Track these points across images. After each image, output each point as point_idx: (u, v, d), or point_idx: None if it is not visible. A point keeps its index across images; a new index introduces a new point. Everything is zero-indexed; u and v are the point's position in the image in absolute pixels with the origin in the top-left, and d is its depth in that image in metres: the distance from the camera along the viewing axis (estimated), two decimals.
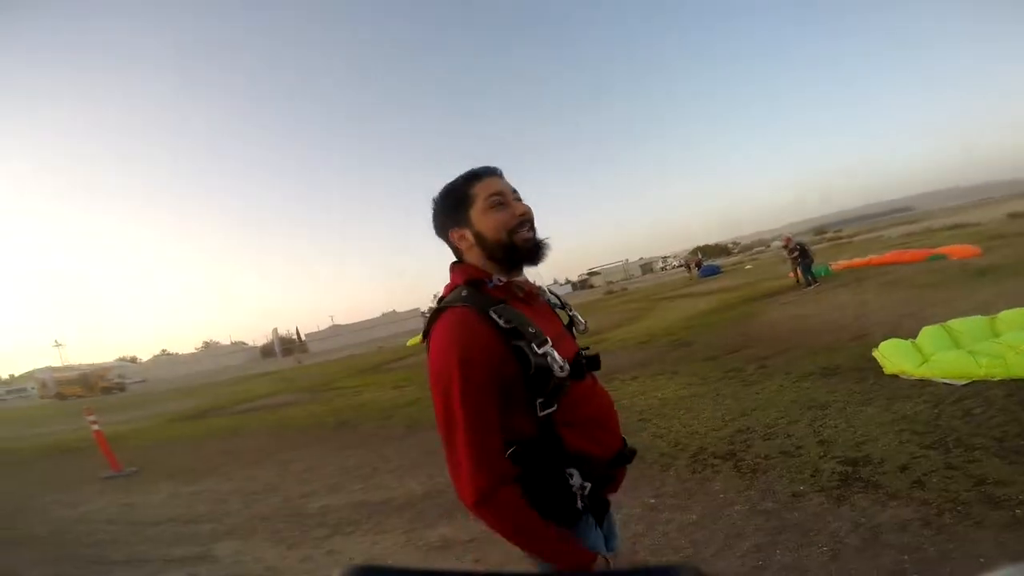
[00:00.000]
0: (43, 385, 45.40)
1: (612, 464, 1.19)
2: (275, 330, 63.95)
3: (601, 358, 1.26)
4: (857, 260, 17.58)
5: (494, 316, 1.05)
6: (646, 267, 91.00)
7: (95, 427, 7.32)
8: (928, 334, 4.96)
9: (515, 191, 1.22)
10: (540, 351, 1.03)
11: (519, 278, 1.22)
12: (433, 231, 1.26)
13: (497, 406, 1.04)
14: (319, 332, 69.60)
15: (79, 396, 39.85)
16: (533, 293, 1.24)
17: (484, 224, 1.18)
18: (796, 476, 3.17)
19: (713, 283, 24.31)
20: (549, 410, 1.07)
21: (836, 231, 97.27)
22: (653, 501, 3.24)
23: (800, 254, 14.06)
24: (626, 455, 1.23)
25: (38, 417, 20.82)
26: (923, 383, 4.34)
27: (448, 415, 1.03)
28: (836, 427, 3.80)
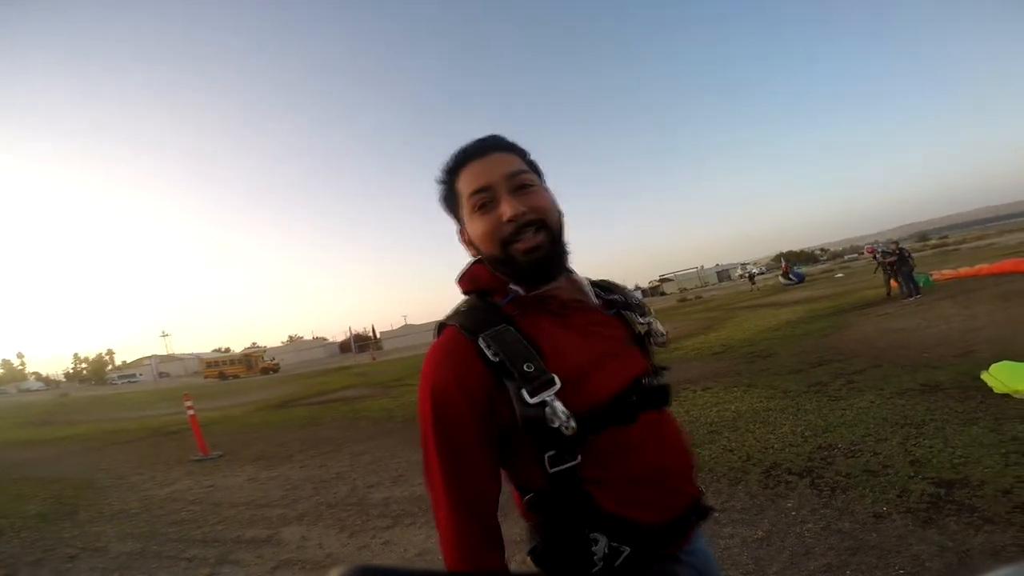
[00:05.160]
0: (207, 365, 50.86)
1: (672, 529, 0.85)
2: (351, 328, 67.21)
3: (671, 383, 0.89)
4: (964, 270, 15.78)
5: (483, 346, 0.78)
6: (723, 274, 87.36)
7: (191, 412, 7.96)
8: None
9: (517, 172, 0.88)
10: (532, 400, 0.74)
11: (554, 284, 0.90)
12: None
13: (487, 456, 0.81)
14: (393, 330, 72.05)
15: (236, 376, 43.81)
16: (570, 302, 0.90)
17: (473, 231, 0.90)
18: (880, 496, 2.90)
19: (799, 292, 22.88)
20: (564, 465, 0.78)
21: (941, 237, 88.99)
22: (717, 515, 3.05)
23: (899, 260, 12.85)
24: (696, 513, 0.89)
25: (145, 401, 22.96)
26: None
27: (426, 464, 0.83)
28: (932, 447, 3.44)
